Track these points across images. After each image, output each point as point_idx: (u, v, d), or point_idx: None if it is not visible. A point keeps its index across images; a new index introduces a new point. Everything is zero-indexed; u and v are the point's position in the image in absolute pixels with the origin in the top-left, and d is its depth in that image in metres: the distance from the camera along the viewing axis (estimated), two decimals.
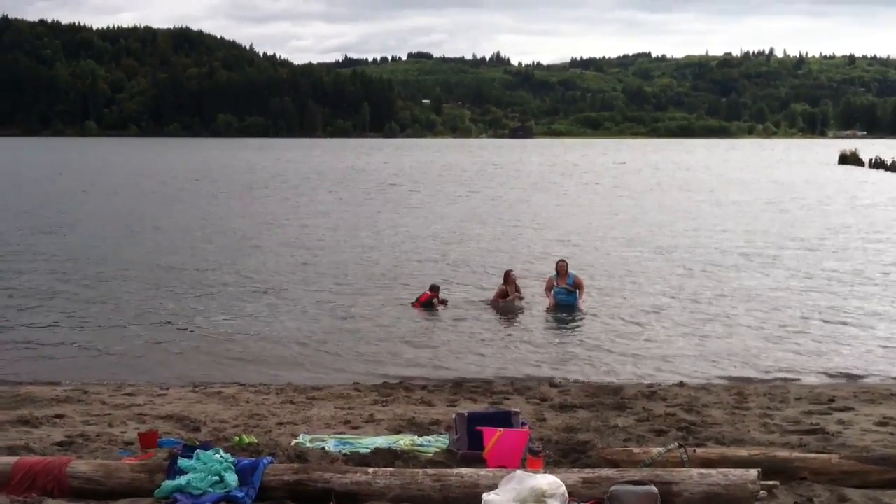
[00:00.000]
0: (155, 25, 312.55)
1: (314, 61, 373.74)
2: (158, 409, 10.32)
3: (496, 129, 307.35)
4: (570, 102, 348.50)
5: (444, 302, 17.86)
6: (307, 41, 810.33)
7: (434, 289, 18.04)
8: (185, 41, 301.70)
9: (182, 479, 6.55)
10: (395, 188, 56.14)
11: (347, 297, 19.12)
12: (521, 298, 18.12)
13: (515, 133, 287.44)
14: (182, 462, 6.76)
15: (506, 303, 17.84)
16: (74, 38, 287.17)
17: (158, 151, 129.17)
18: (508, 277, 18.27)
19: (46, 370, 13.24)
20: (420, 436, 8.83)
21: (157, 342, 15.08)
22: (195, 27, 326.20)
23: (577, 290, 17.72)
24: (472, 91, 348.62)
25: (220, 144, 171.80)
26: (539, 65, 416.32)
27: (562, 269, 17.89)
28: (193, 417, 9.81)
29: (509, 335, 15.74)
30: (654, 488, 6.18)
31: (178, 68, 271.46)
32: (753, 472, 6.39)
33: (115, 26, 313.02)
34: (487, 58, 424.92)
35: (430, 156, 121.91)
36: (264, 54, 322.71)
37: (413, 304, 17.83)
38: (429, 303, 17.69)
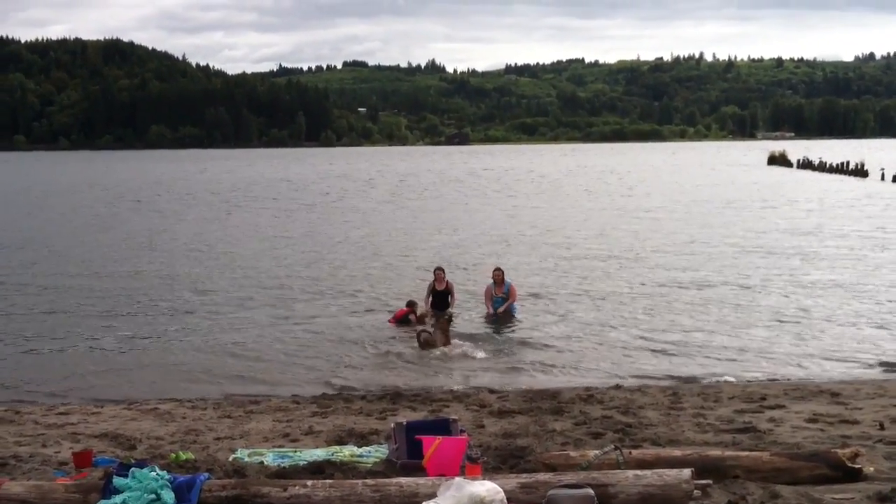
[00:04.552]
0: (85, 37, 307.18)
1: (248, 71, 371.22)
2: (93, 428, 10.16)
3: (433, 136, 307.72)
4: (505, 109, 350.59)
5: (421, 317, 17.22)
6: (240, 51, 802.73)
7: (411, 304, 17.52)
8: (116, 53, 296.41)
9: (118, 499, 6.48)
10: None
11: (284, 309, 19.00)
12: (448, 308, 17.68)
13: (452, 140, 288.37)
14: (117, 481, 6.67)
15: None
16: (2, 52, 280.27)
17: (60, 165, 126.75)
18: (436, 275, 18.01)
19: None
20: (360, 446, 8.82)
21: (89, 360, 14.81)
22: (126, 38, 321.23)
23: (511, 297, 17.80)
24: (407, 99, 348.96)
25: (147, 156, 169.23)
26: (474, 72, 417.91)
27: (497, 277, 17.95)
28: (129, 435, 9.68)
29: (448, 343, 15.73)
30: (590, 491, 6.25)
31: (110, 80, 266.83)
32: (687, 472, 6.49)
33: (44, 38, 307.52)
34: (423, 65, 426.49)
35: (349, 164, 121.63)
36: (197, 65, 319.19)
37: (389, 321, 17.30)
38: (405, 319, 17.20)
